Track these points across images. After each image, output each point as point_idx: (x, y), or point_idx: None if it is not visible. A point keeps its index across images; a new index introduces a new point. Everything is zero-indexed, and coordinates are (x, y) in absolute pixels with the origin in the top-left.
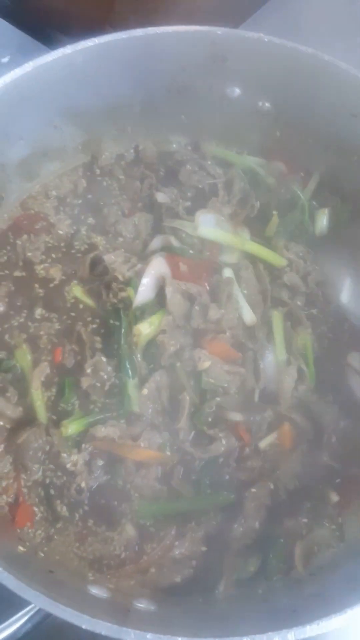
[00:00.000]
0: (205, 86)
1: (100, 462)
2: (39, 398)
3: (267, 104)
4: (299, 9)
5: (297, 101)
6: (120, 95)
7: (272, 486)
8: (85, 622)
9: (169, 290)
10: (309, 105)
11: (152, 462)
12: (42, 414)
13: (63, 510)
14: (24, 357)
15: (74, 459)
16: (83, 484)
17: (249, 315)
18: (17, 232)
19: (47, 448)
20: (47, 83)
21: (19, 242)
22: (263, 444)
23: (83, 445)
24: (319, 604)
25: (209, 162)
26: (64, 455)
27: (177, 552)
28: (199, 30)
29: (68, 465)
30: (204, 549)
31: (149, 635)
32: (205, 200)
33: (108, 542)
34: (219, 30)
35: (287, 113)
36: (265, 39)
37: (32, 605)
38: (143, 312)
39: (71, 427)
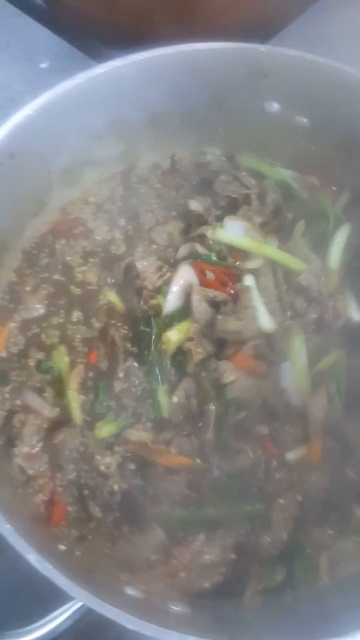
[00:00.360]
0: (244, 100)
1: (132, 466)
2: (74, 399)
3: (304, 120)
4: (329, 24)
5: (334, 118)
6: (162, 107)
7: (299, 498)
8: (131, 622)
9: (195, 299)
10: (346, 123)
11: (183, 468)
12: (77, 415)
13: (96, 511)
14: (61, 358)
15: (107, 461)
16: (115, 487)
17: (267, 323)
18: (56, 236)
19: (82, 449)
20: (97, 94)
21: (58, 246)
22: (290, 456)
23: (115, 448)
24: (350, 617)
25: (243, 173)
26: (98, 457)
27: (206, 558)
28: (244, 47)
29: (102, 468)
30: (233, 556)
31: (191, 639)
32: (237, 209)
33: (138, 544)
34: (262, 48)
35: (324, 129)
36: (308, 57)
37: (72, 603)
38: (172, 320)
39: (105, 430)
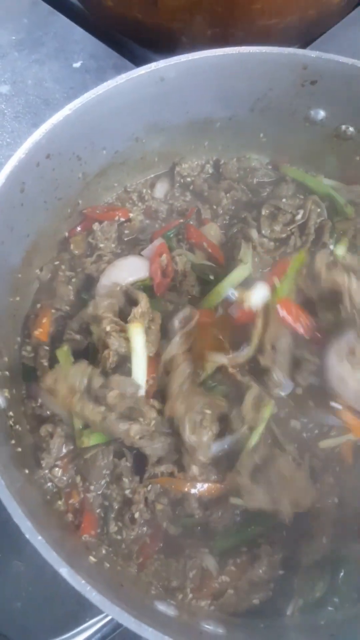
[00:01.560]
0: (289, 107)
1: (165, 501)
2: None
3: (350, 129)
4: None
5: None
6: (203, 111)
7: (336, 500)
8: None
9: None
10: None
11: (215, 493)
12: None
13: (114, 530)
14: (65, 358)
15: (133, 487)
16: (137, 515)
17: None
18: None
19: (112, 467)
20: (137, 96)
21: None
22: (323, 444)
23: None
24: None
25: (284, 200)
26: (125, 480)
27: (254, 575)
28: (292, 52)
29: (127, 492)
30: (281, 572)
31: None
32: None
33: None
34: (312, 54)
35: None
36: (359, 64)
37: (102, 615)
38: None
39: (91, 439)
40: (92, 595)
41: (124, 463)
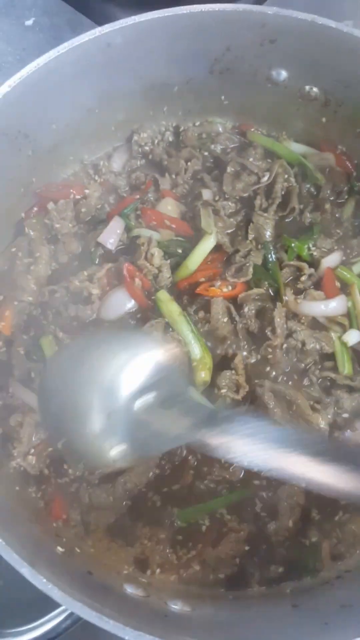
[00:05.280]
0: (250, 68)
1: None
2: None
3: (314, 89)
4: None
5: (346, 88)
6: (158, 75)
7: (304, 485)
8: (128, 633)
9: None
10: (357, 93)
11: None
12: None
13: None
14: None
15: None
16: (111, 498)
17: None
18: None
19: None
20: (82, 66)
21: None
22: None
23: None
24: (350, 618)
25: (251, 159)
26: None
27: (221, 550)
28: (248, 9)
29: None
30: (246, 548)
31: None
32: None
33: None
34: (269, 10)
35: (336, 100)
36: (319, 22)
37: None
38: None
39: None
40: (54, 592)
41: None
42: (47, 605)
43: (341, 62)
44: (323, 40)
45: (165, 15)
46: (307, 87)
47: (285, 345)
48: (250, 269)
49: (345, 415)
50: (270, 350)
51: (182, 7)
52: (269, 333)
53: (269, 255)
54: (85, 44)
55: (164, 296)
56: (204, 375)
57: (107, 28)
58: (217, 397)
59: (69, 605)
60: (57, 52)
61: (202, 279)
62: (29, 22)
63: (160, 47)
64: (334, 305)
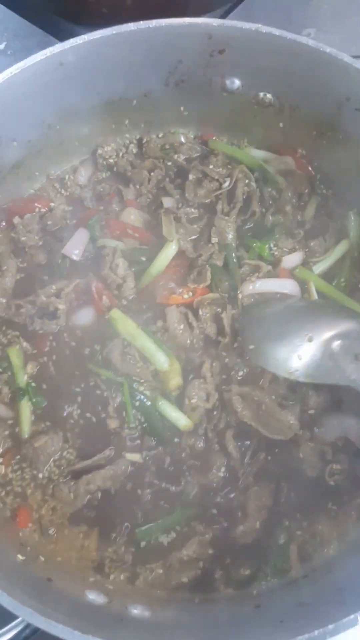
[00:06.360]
0: (204, 78)
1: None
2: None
3: (268, 95)
4: None
5: (298, 92)
6: (115, 90)
7: (273, 486)
8: (76, 637)
9: None
10: (310, 97)
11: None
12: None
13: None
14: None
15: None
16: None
17: None
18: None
19: (61, 453)
20: (38, 84)
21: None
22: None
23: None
24: (306, 616)
25: (211, 167)
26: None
27: (184, 554)
28: (194, 22)
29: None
30: (211, 551)
31: None
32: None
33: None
34: (214, 22)
35: (290, 105)
36: (264, 30)
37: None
38: None
39: None
40: (3, 598)
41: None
42: (7, 616)
43: (289, 67)
44: (269, 48)
45: (115, 33)
46: (261, 94)
47: (236, 345)
48: (209, 274)
49: (311, 411)
50: (225, 354)
51: (129, 25)
52: (219, 337)
53: (231, 256)
54: (39, 64)
55: (117, 314)
56: (175, 380)
57: (58, 48)
58: (188, 407)
59: (17, 610)
60: (9, 73)
61: (165, 287)
62: (1, 46)
63: (114, 63)
64: (290, 285)
